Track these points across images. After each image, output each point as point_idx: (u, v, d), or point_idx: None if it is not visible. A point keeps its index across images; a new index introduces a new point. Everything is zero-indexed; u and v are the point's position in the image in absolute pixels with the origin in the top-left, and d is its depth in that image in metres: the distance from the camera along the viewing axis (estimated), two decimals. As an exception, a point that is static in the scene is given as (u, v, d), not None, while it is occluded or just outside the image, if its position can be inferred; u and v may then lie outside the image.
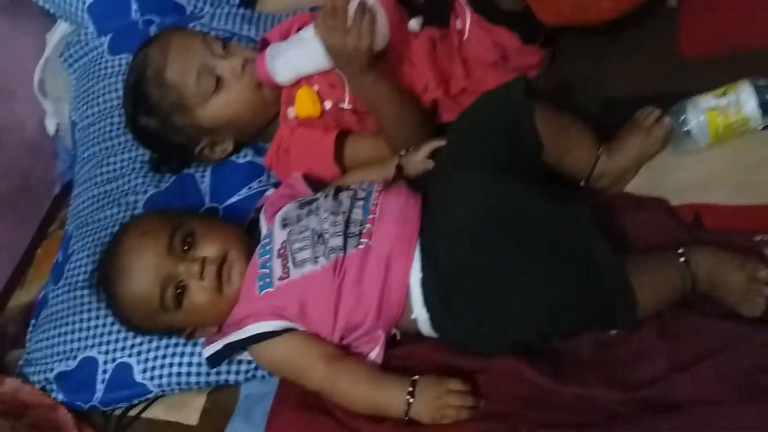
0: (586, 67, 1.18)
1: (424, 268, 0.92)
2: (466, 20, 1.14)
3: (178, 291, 0.98)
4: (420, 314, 0.93)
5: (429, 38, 1.13)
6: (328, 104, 1.16)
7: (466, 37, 1.15)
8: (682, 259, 0.86)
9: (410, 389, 0.89)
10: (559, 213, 0.88)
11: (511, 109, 0.94)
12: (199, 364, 1.10)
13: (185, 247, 0.99)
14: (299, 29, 1.20)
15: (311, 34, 1.09)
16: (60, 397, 1.19)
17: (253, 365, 1.09)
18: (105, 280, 1.04)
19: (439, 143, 1.08)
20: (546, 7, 1.05)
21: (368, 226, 0.95)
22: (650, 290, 0.85)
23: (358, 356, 0.96)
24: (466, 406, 0.87)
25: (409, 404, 0.88)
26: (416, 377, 0.90)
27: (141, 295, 0.99)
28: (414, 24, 1.12)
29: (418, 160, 1.09)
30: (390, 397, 0.90)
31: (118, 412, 1.18)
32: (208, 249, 1.00)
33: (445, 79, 1.14)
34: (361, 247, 0.94)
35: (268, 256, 1.00)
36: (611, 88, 1.14)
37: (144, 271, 0.98)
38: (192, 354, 1.11)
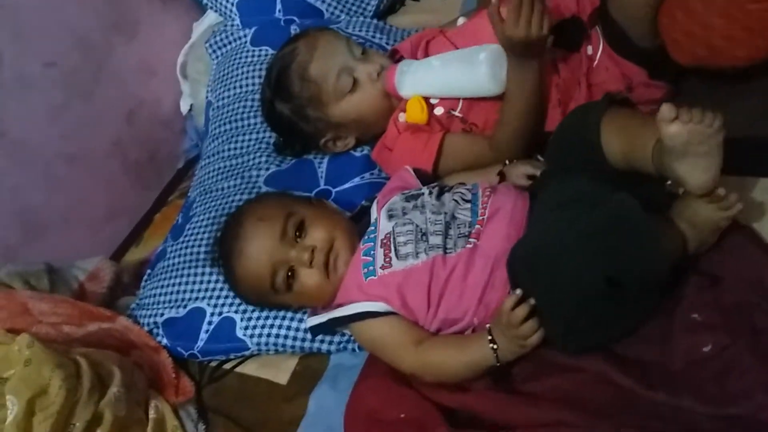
0: (709, 106, 1.18)
1: None
2: (598, 49, 1.18)
3: (289, 275, 1.05)
4: None
5: (554, 60, 1.17)
6: (439, 110, 1.22)
7: (595, 64, 1.18)
8: None
9: (489, 337, 0.93)
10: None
11: (585, 129, 0.94)
12: (297, 330, 1.16)
13: (297, 233, 1.05)
14: (428, 43, 1.29)
15: (440, 63, 1.17)
16: (164, 341, 1.25)
17: (345, 338, 1.14)
18: (224, 258, 1.12)
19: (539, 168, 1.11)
20: (682, 48, 1.08)
21: (477, 227, 0.99)
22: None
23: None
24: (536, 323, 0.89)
25: (495, 351, 0.93)
26: (488, 325, 0.94)
27: (255, 277, 1.06)
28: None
29: (521, 172, 1.12)
30: (478, 352, 0.94)
31: (213, 365, 1.24)
32: (317, 237, 1.05)
33: (565, 101, 1.18)
34: (469, 246, 0.97)
35: (372, 244, 1.05)
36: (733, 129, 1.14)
37: (259, 255, 1.05)
38: (292, 319, 1.16)
